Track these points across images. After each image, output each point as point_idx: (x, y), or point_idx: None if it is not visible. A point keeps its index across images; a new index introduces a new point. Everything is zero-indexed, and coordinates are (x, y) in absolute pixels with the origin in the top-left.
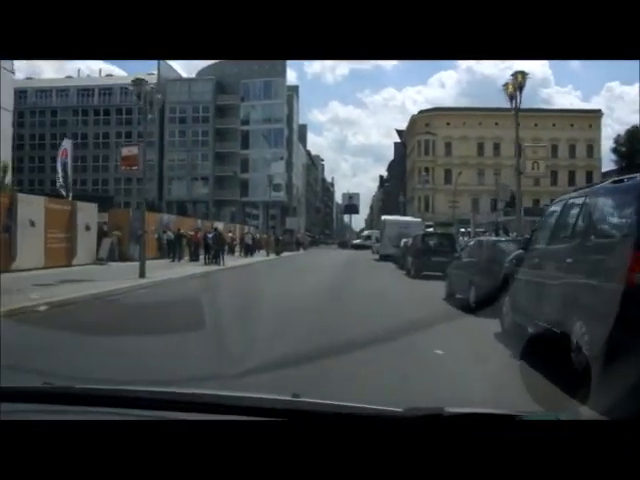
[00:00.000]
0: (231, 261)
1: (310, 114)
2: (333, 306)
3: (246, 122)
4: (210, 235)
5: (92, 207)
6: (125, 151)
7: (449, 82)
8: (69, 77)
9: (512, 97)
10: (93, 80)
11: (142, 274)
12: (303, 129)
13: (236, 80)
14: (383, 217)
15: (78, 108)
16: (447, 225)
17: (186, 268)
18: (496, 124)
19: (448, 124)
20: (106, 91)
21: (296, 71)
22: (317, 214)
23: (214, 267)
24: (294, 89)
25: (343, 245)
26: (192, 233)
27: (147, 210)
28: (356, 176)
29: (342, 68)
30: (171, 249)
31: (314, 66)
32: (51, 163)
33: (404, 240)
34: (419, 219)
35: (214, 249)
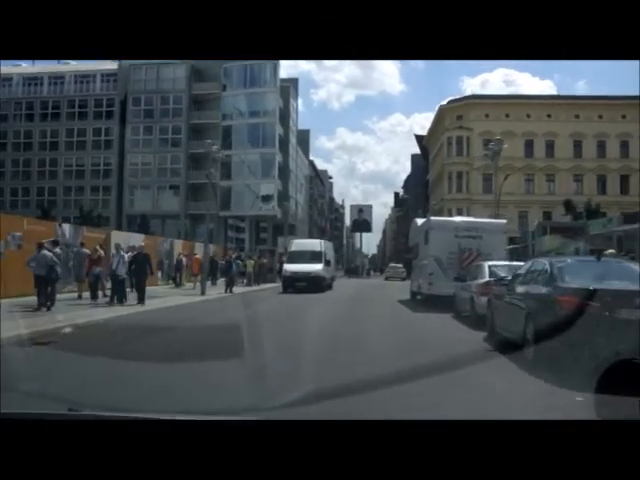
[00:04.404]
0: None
1: (317, 141)
2: None
3: (229, 116)
4: None
5: None
6: None
7: None
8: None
9: None
10: (42, 67)
11: None
12: (304, 135)
13: (216, 64)
14: (419, 220)
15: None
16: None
17: None
18: (548, 116)
19: (487, 116)
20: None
21: (302, 97)
22: (322, 235)
23: None
24: (292, 82)
25: (352, 272)
26: None
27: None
28: (367, 202)
29: (348, 95)
30: None
31: (320, 93)
32: None
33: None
34: (503, 220)
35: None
